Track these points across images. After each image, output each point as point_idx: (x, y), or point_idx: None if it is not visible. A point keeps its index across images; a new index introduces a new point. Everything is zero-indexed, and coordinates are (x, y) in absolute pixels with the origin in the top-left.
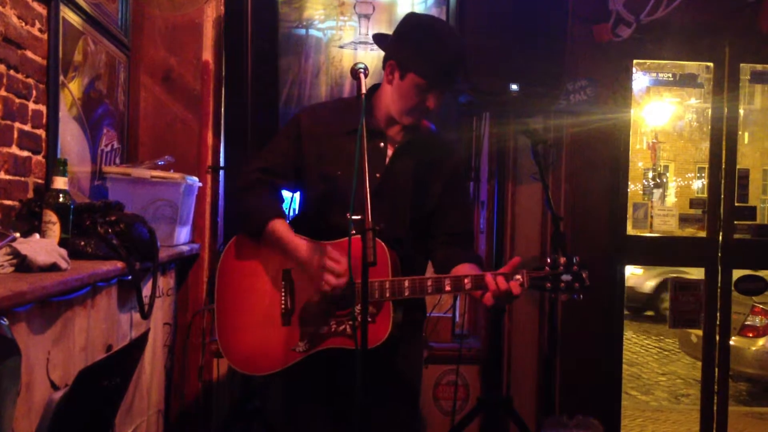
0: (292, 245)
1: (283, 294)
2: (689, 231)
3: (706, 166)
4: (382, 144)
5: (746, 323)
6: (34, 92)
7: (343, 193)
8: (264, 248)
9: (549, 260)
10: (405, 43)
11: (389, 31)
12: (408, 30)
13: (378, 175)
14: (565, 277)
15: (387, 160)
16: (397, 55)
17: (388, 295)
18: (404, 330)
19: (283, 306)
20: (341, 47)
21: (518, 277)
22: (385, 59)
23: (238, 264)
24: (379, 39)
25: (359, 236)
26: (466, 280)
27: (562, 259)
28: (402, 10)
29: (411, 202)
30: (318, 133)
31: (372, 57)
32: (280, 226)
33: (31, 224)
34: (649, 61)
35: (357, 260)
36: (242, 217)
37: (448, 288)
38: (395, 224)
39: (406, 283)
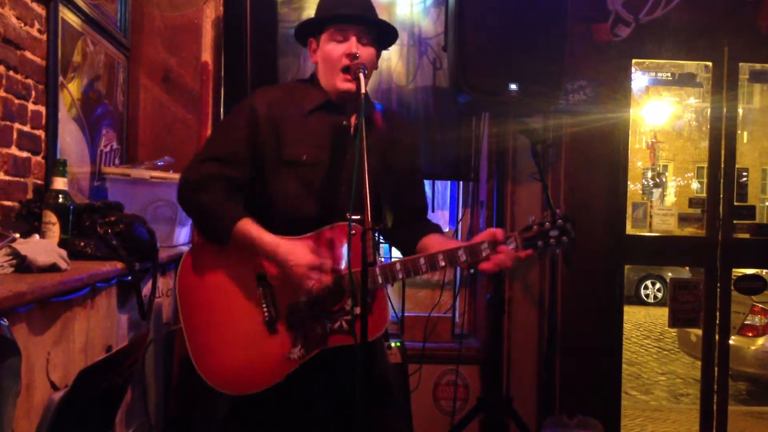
0: (271, 246)
1: (263, 301)
2: (688, 230)
3: (705, 165)
4: (345, 123)
5: (746, 322)
6: (33, 93)
7: (310, 178)
8: (228, 254)
9: (533, 218)
10: (315, 14)
11: None
12: (317, 6)
13: (347, 156)
14: (553, 233)
15: (352, 139)
16: (311, 29)
17: (380, 281)
18: None
19: (266, 314)
20: None
21: (511, 240)
22: (308, 43)
23: (201, 277)
24: (299, 29)
25: (335, 228)
26: (460, 253)
27: (546, 215)
28: (401, 11)
29: (374, 182)
30: (275, 115)
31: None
32: (250, 227)
33: (31, 225)
34: (648, 61)
35: (342, 250)
36: (202, 220)
37: (442, 263)
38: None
39: (398, 266)
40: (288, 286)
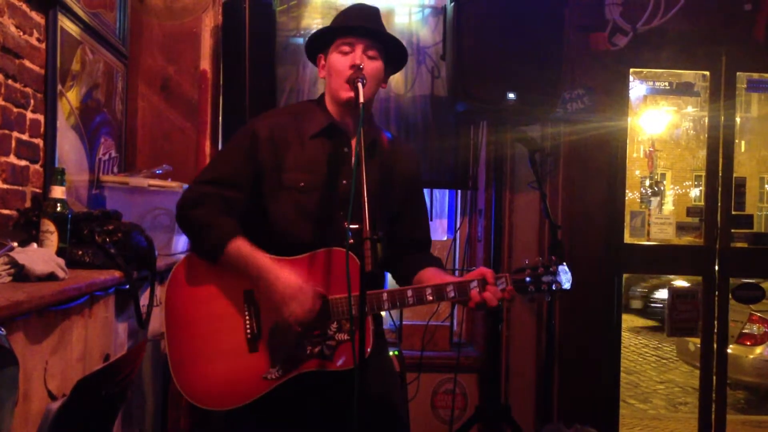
0: (264, 267)
1: (247, 318)
2: (686, 239)
3: (703, 174)
4: (346, 149)
5: (744, 331)
6: (32, 101)
7: (308, 204)
8: (219, 268)
9: (527, 261)
10: (325, 30)
11: None
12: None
13: (344, 182)
14: (546, 279)
15: (352, 166)
16: (321, 44)
17: (366, 309)
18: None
19: (248, 331)
20: None
21: (502, 281)
22: (317, 59)
23: (191, 287)
24: (309, 44)
25: (325, 250)
26: (449, 289)
27: (539, 260)
28: (399, 20)
29: (373, 198)
30: (276, 140)
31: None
32: (243, 245)
33: (29, 233)
34: (645, 70)
35: (334, 274)
36: (195, 236)
37: (430, 298)
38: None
39: (385, 296)
40: (274, 305)
